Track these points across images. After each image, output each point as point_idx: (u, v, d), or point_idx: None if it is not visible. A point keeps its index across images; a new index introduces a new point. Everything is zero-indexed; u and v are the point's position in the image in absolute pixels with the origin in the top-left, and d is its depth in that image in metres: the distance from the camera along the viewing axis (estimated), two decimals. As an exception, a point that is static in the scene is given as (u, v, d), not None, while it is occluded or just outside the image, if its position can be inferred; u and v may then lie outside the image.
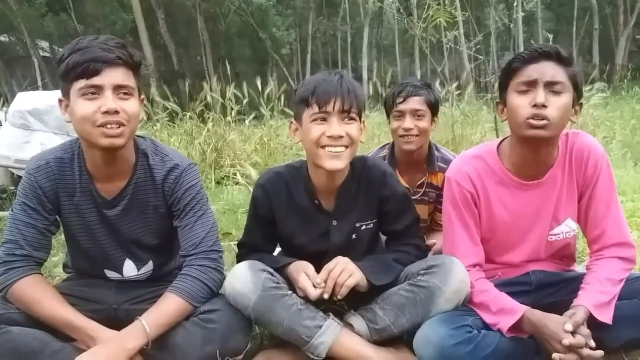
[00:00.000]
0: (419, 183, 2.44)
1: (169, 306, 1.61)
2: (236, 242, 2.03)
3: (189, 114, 6.51)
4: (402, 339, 1.70)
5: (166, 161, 1.75)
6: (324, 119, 1.66)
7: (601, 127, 6.64)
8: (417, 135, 2.31)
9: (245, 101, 6.41)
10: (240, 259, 1.90)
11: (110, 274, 1.85)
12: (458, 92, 7.51)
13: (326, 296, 1.63)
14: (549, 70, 1.57)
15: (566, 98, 1.57)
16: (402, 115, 2.33)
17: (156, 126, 6.68)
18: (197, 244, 1.71)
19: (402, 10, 11.30)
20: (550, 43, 1.69)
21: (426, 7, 5.15)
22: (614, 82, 13.55)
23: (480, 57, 6.38)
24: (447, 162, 2.34)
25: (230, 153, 5.88)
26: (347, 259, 1.69)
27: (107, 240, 1.78)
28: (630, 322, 1.56)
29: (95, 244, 1.78)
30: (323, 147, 1.66)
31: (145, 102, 1.81)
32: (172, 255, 1.92)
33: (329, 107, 1.64)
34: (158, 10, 17.85)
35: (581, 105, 1.67)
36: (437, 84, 7.00)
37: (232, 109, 6.30)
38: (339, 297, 1.64)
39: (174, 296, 1.63)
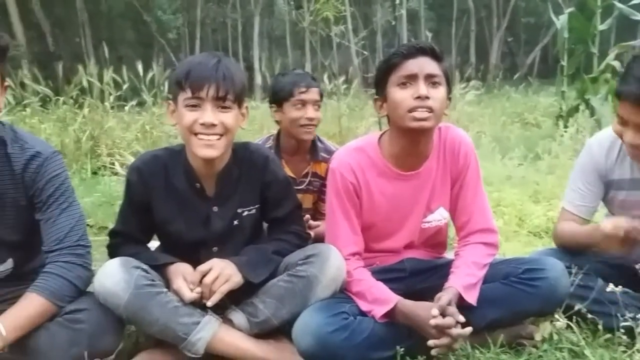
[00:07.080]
0: (304, 172, 2.45)
1: (28, 306, 1.48)
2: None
3: (62, 99, 6.03)
4: (281, 330, 1.69)
5: (26, 149, 1.58)
6: (197, 105, 1.58)
7: (474, 123, 7.14)
8: (316, 125, 2.34)
9: (125, 86, 6.06)
10: (112, 249, 1.78)
11: None
12: (345, 86, 7.71)
13: (205, 302, 1.59)
14: (426, 64, 1.65)
15: (443, 90, 1.67)
16: (303, 104, 2.32)
17: (25, 111, 6.04)
18: (61, 239, 1.58)
19: (291, 2, 11.32)
20: (429, 41, 1.78)
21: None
22: (487, 81, 14.68)
23: (365, 53, 6.59)
24: (330, 152, 2.38)
25: (108, 141, 5.54)
26: (224, 262, 1.64)
27: None
28: (492, 304, 1.66)
29: None
30: (196, 134, 1.59)
31: (12, 85, 1.64)
32: (35, 252, 1.75)
33: (202, 92, 1.56)
34: (29, -14, 16.32)
35: (450, 99, 1.76)
36: (325, 77, 7.13)
37: (110, 94, 5.93)
38: (209, 304, 1.59)
39: (34, 295, 1.50)
